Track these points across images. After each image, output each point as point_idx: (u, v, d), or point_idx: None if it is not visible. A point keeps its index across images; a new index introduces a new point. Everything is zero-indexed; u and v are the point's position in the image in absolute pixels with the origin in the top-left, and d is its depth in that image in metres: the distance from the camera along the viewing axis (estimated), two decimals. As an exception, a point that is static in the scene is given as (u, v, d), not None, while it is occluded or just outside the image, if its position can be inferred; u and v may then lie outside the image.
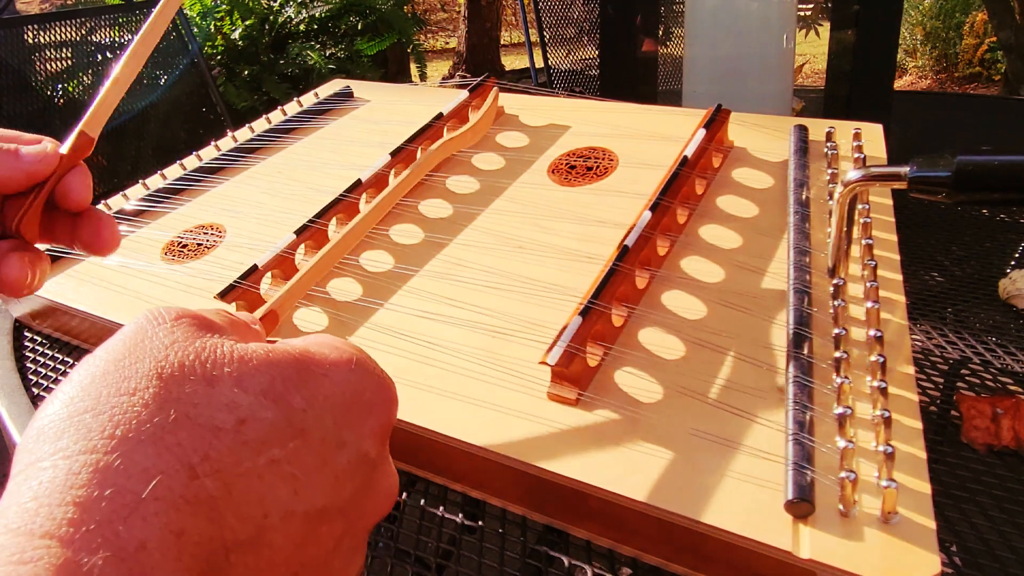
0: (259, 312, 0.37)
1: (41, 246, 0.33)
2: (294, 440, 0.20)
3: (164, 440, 0.18)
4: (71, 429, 0.18)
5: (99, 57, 1.67)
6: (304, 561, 0.21)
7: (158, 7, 0.38)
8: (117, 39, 1.68)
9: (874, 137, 0.54)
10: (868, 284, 0.39)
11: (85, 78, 1.64)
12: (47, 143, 0.33)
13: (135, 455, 0.18)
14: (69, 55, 1.59)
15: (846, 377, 0.34)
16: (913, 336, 0.52)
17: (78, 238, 0.33)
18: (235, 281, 0.46)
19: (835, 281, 0.40)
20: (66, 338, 0.59)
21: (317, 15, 2.80)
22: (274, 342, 0.26)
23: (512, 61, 5.26)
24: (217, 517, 0.18)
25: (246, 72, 2.63)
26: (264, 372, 0.21)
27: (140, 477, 0.18)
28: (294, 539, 0.20)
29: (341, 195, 0.53)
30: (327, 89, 0.79)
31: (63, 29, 1.56)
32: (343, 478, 0.22)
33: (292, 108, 0.75)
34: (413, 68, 3.38)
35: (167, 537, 0.17)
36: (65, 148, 0.35)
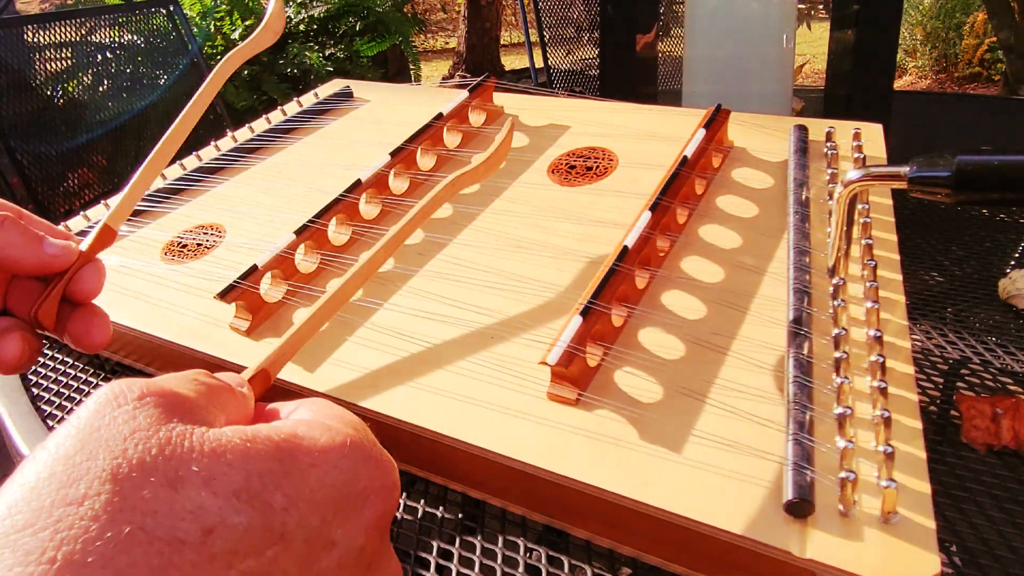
0: (248, 372, 0.31)
1: None
2: (273, 547, 0.18)
3: (115, 562, 0.16)
4: (7, 552, 0.16)
5: (99, 57, 1.67)
6: None
7: (195, 98, 0.41)
8: (117, 39, 1.68)
9: (874, 137, 0.54)
10: (868, 284, 0.39)
11: (85, 78, 1.64)
12: (70, 242, 0.34)
13: None
14: (69, 55, 1.59)
15: (846, 377, 0.34)
16: (913, 336, 0.52)
17: (69, 329, 0.34)
18: (235, 281, 0.46)
19: (835, 281, 0.40)
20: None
21: (316, 15, 2.80)
22: (265, 406, 0.24)
23: (512, 61, 5.26)
24: None
25: (246, 72, 2.63)
26: (239, 468, 0.18)
27: None
28: None
29: (341, 195, 0.53)
30: (327, 89, 0.79)
31: (63, 29, 1.56)
32: None
33: (292, 108, 0.75)
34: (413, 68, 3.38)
35: None
36: (86, 244, 0.36)
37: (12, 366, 0.32)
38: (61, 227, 0.62)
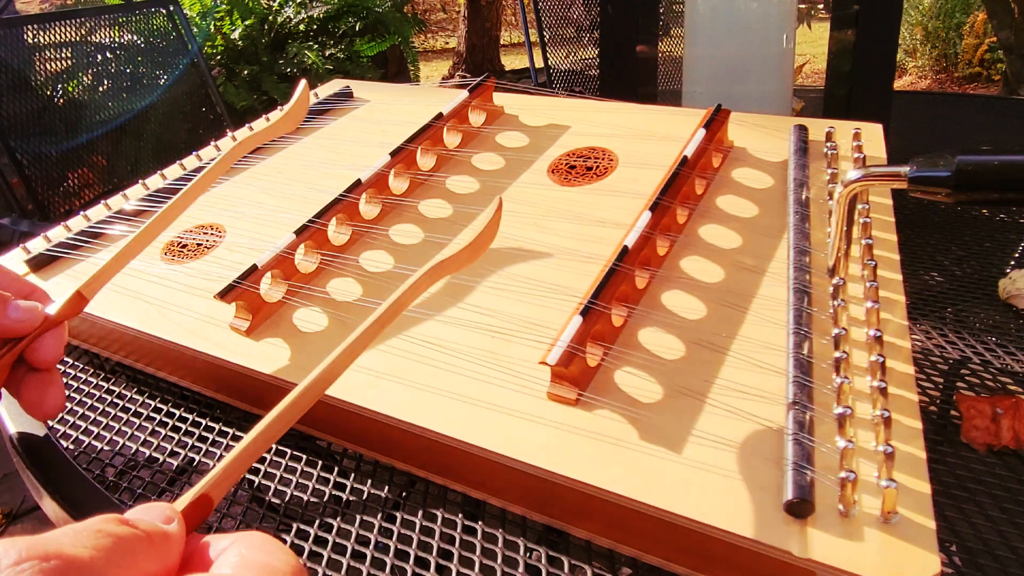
0: (184, 500, 0.25)
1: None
2: None
3: None
4: None
5: (99, 57, 1.67)
6: None
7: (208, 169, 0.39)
8: (117, 39, 1.68)
9: (874, 137, 0.54)
10: (868, 284, 0.39)
11: (85, 78, 1.64)
12: (36, 305, 0.32)
13: None
14: (69, 55, 1.59)
15: (846, 377, 0.34)
16: (913, 336, 0.52)
17: (22, 394, 0.32)
18: (235, 281, 0.46)
19: (835, 281, 0.40)
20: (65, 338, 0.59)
21: (316, 15, 2.80)
22: (199, 538, 0.21)
23: (512, 61, 5.26)
24: None
25: (246, 72, 2.63)
26: None
27: None
28: None
29: (341, 195, 0.53)
30: (327, 89, 0.79)
31: (63, 29, 1.56)
32: None
33: (292, 108, 0.75)
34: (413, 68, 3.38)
35: None
36: (55, 309, 0.34)
37: None
38: (60, 228, 0.62)
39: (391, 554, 0.37)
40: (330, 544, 0.38)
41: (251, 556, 0.19)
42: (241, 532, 0.20)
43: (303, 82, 0.58)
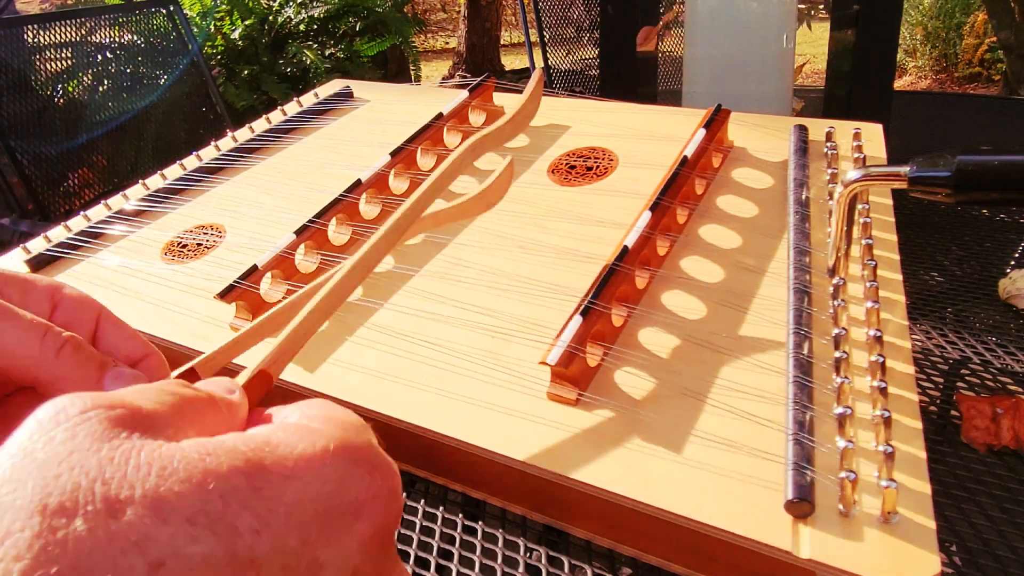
0: (245, 375, 0.26)
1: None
2: None
3: None
4: None
5: (99, 57, 1.67)
6: None
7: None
8: (117, 39, 1.68)
9: (874, 137, 0.54)
10: (868, 284, 0.39)
11: (85, 78, 1.64)
12: (140, 377, 0.26)
13: None
14: (69, 55, 1.59)
15: (846, 377, 0.34)
16: (913, 336, 0.52)
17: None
18: (235, 281, 0.46)
19: (835, 281, 0.40)
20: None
21: (316, 15, 2.80)
22: (262, 411, 0.21)
23: (512, 61, 5.26)
24: None
25: (246, 72, 2.63)
26: (195, 489, 0.15)
27: None
28: None
29: (341, 195, 0.53)
30: (327, 89, 0.79)
31: (63, 29, 1.56)
32: None
33: (292, 108, 0.75)
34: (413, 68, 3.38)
35: None
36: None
37: None
38: (60, 228, 0.62)
39: (391, 554, 0.37)
40: (330, 544, 0.38)
41: (311, 411, 0.19)
42: (304, 400, 0.21)
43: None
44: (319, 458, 0.17)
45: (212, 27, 2.64)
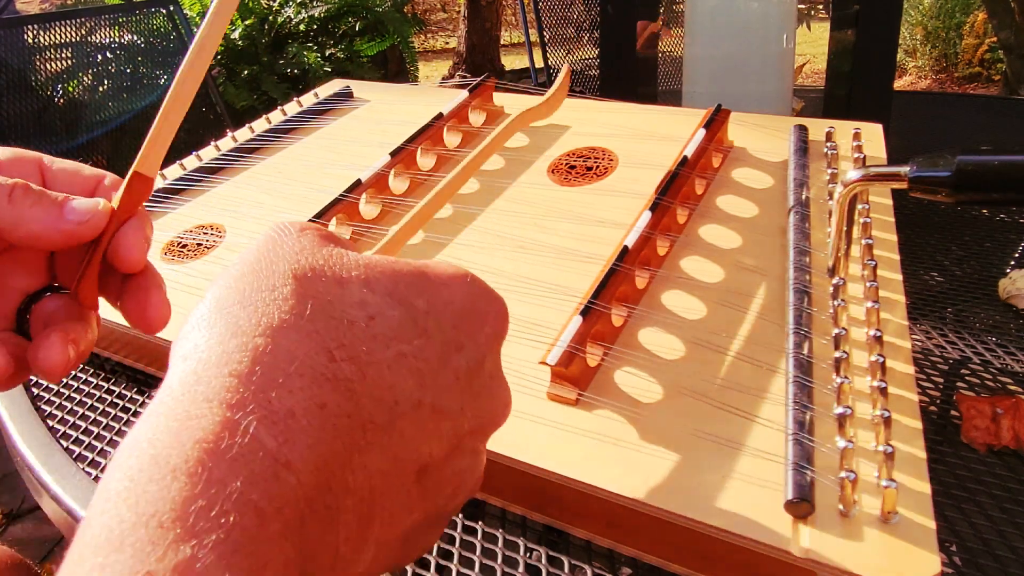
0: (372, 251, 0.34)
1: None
2: (418, 339, 0.22)
3: (304, 328, 0.20)
4: (221, 320, 0.20)
5: (99, 57, 1.67)
6: (430, 454, 0.22)
7: (211, 9, 0.30)
8: (117, 39, 1.68)
9: (874, 137, 0.54)
10: (868, 284, 0.39)
11: (85, 78, 1.64)
12: (98, 200, 0.29)
13: (280, 339, 0.20)
14: (69, 55, 1.59)
15: (846, 377, 0.34)
16: (913, 336, 0.52)
17: (124, 308, 0.30)
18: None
19: (835, 281, 0.40)
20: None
21: (316, 15, 2.80)
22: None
23: (512, 61, 5.26)
24: (354, 396, 0.20)
25: (245, 72, 2.63)
26: (389, 276, 0.23)
27: (286, 357, 0.19)
28: (422, 430, 0.22)
29: (341, 195, 0.53)
30: (327, 89, 0.79)
31: (63, 29, 1.56)
32: (463, 379, 0.23)
33: (292, 108, 0.75)
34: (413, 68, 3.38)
35: (312, 408, 0.19)
36: (117, 199, 0.30)
37: (54, 372, 0.28)
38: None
39: (391, 554, 0.37)
40: (330, 544, 0.38)
41: (437, 260, 0.27)
42: None
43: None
44: (461, 278, 0.24)
45: (212, 27, 2.63)
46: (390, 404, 0.21)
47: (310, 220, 0.51)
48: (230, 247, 0.56)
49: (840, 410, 0.32)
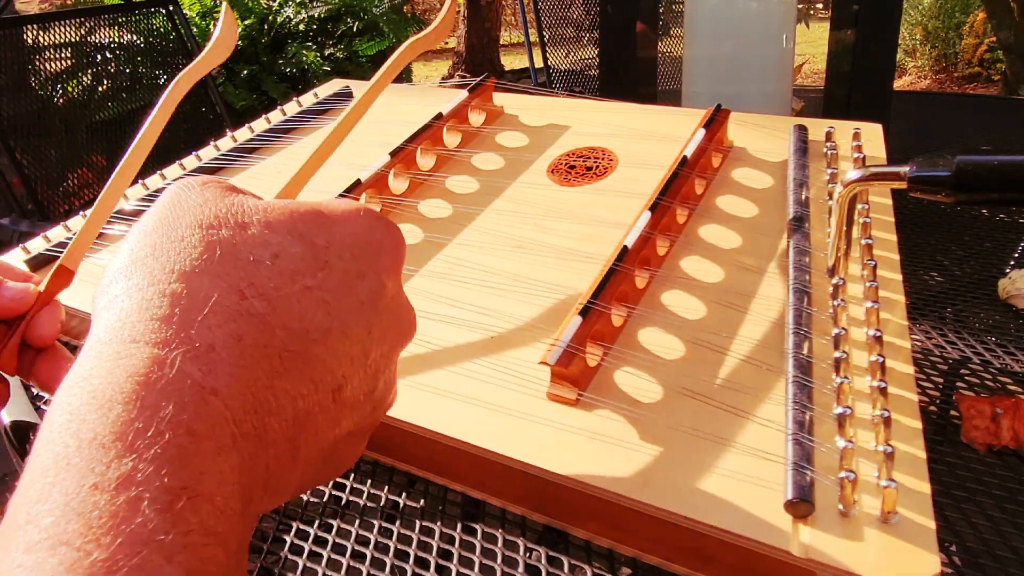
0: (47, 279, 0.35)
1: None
2: (321, 271, 0.24)
3: (214, 271, 0.22)
4: (137, 271, 0.22)
5: (99, 57, 1.67)
6: (344, 375, 0.24)
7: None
8: (117, 39, 1.68)
9: (874, 137, 0.54)
10: (868, 284, 0.39)
11: (85, 78, 1.64)
12: (28, 284, 0.34)
13: (193, 283, 0.22)
14: (69, 55, 1.59)
15: (846, 377, 0.34)
16: (913, 336, 0.52)
17: (35, 374, 0.34)
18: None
19: (835, 281, 0.40)
20: (65, 338, 0.59)
21: (316, 16, 2.80)
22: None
23: (512, 61, 5.26)
24: (268, 328, 0.22)
25: (245, 72, 2.63)
26: (288, 217, 0.24)
27: (201, 299, 0.21)
28: (334, 354, 0.24)
29: (340, 195, 0.53)
30: (326, 89, 0.79)
31: (63, 29, 1.56)
32: (367, 304, 0.25)
33: (291, 108, 0.75)
34: (413, 68, 3.38)
35: (230, 341, 0.21)
36: (43, 285, 0.35)
37: None
38: (60, 228, 0.62)
39: (391, 554, 0.37)
40: (330, 544, 0.38)
41: (331, 198, 0.28)
42: None
43: (224, 5, 0.56)
44: (354, 212, 0.26)
45: (212, 27, 2.64)
46: (302, 333, 0.23)
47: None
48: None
49: (840, 410, 0.32)
